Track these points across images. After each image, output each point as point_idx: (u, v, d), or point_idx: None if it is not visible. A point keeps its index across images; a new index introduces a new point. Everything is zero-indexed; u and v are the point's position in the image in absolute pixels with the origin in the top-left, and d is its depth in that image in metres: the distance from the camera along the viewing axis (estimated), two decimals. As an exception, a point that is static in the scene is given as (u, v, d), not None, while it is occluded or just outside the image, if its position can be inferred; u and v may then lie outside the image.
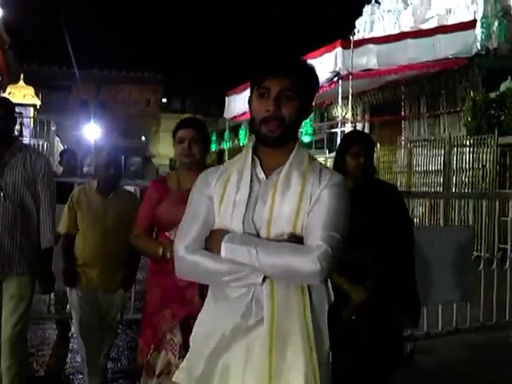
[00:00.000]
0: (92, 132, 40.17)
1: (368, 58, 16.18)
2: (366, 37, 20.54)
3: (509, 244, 6.09)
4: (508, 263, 6.07)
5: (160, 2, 73.95)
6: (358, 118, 20.47)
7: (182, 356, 2.94)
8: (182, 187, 3.10)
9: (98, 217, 3.97)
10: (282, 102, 1.90)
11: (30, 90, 23.23)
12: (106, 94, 48.17)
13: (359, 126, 19.81)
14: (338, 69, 15.60)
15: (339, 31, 19.41)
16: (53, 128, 20.93)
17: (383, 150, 15.99)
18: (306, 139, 17.79)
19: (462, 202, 10.77)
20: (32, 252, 3.57)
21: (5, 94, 20.19)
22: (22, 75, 23.46)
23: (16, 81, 23.90)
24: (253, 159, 1.97)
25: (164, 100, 51.25)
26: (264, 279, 1.83)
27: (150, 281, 3.23)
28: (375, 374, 3.12)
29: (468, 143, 13.20)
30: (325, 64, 15.39)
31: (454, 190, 13.02)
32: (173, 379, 2.06)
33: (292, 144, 1.97)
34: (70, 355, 4.98)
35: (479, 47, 16.38)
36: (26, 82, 23.68)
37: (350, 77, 15.41)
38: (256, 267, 1.81)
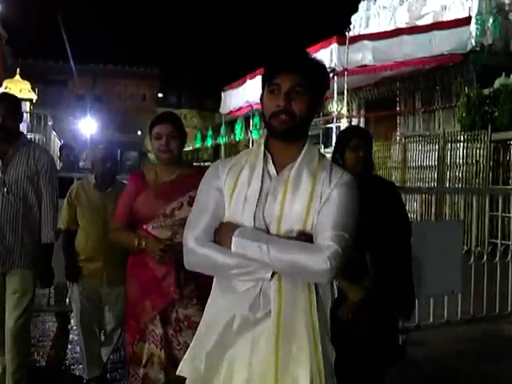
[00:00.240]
0: (88, 126, 40.15)
1: (363, 54, 16.27)
2: (361, 33, 20.55)
3: (499, 238, 6.22)
4: (498, 257, 6.21)
5: (157, -2, 73.71)
6: (354, 113, 20.52)
7: (163, 346, 3.02)
8: (159, 181, 3.14)
9: (98, 211, 4.03)
10: (293, 97, 1.92)
11: (27, 85, 23.18)
12: (102, 88, 48.10)
13: (354, 122, 19.84)
14: (333, 65, 15.66)
15: (336, 27, 19.46)
16: (49, 122, 20.92)
17: (378, 145, 16.06)
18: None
19: (456, 198, 10.88)
20: (34, 247, 3.61)
21: (1, 89, 20.16)
22: (18, 70, 23.41)
23: (12, 75, 23.86)
24: (264, 154, 1.98)
25: (160, 95, 51.22)
26: (273, 275, 1.85)
27: (129, 273, 3.25)
28: (373, 372, 3.12)
29: (462, 139, 13.26)
30: (320, 60, 15.44)
31: (447, 186, 13.12)
32: (177, 372, 2.06)
33: (303, 140, 1.99)
34: (69, 346, 5.06)
35: (474, 43, 16.40)
36: (22, 76, 23.60)
37: (346, 73, 15.50)
38: (266, 263, 1.83)
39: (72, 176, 5.25)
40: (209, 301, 2.04)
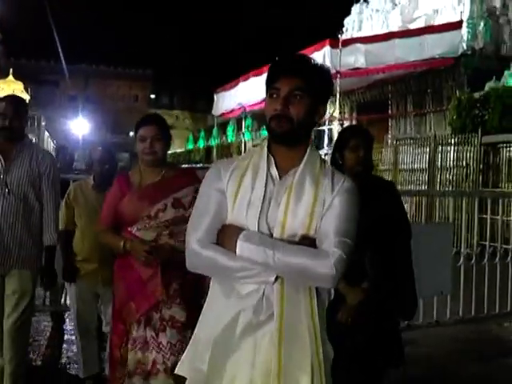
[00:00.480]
0: (80, 127, 40.03)
1: (356, 57, 16.42)
2: (354, 36, 20.70)
3: (488, 240, 6.33)
4: (486, 259, 6.32)
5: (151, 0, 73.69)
6: (346, 115, 20.64)
7: (147, 350, 3.01)
8: (144, 183, 3.16)
9: (95, 212, 3.99)
10: (291, 101, 1.92)
11: (20, 85, 23.20)
12: (95, 89, 48.01)
13: (346, 124, 19.97)
14: (326, 67, 15.75)
15: (331, 30, 19.56)
16: (43, 123, 20.90)
17: (370, 147, 16.13)
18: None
19: (446, 200, 10.97)
20: (34, 248, 3.62)
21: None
22: (11, 70, 23.37)
23: (5, 76, 23.82)
24: (268, 158, 1.99)
25: (152, 96, 51.16)
26: (276, 278, 1.87)
27: (116, 275, 3.25)
28: (372, 375, 3.11)
29: (453, 142, 13.34)
30: (313, 63, 15.53)
31: (438, 188, 13.23)
32: (175, 371, 2.08)
33: (304, 145, 2.00)
34: (65, 346, 5.10)
35: (465, 47, 16.55)
36: (15, 76, 23.60)
37: (338, 75, 15.58)
38: (271, 267, 1.84)
39: (68, 178, 5.27)
40: (207, 303, 2.05)
